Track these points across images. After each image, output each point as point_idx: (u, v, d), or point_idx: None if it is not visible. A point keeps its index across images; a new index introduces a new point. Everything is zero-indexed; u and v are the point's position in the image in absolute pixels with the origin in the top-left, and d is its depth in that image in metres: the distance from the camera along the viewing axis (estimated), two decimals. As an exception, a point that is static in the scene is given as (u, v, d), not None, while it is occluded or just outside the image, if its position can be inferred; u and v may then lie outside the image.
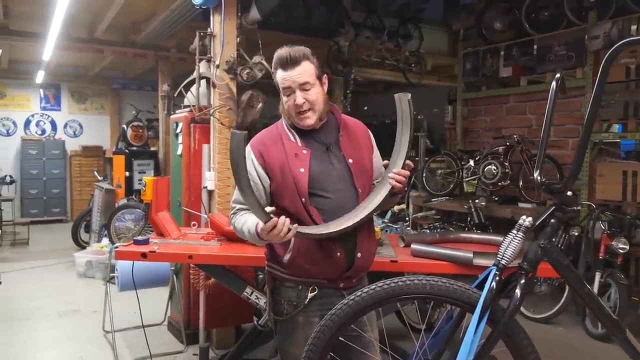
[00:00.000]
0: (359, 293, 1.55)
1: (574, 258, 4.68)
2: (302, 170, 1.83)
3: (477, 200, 5.40)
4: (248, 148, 1.87)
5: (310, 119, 1.86)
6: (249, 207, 1.78)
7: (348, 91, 7.86)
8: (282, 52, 1.85)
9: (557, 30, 5.71)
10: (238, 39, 3.99)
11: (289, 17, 6.90)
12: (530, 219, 1.54)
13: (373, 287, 1.52)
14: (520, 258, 1.59)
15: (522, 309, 4.66)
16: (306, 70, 1.83)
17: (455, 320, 1.66)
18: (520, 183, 5.62)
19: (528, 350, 1.50)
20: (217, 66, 3.85)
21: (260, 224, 1.69)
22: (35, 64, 8.26)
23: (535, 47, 5.91)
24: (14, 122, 9.70)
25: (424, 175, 6.51)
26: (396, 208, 4.84)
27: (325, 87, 1.93)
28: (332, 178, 1.87)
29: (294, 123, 1.90)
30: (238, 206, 1.93)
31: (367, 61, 6.87)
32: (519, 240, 1.54)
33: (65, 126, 10.19)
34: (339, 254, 1.84)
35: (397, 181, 1.81)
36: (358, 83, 7.88)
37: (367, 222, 1.91)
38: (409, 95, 1.86)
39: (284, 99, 1.88)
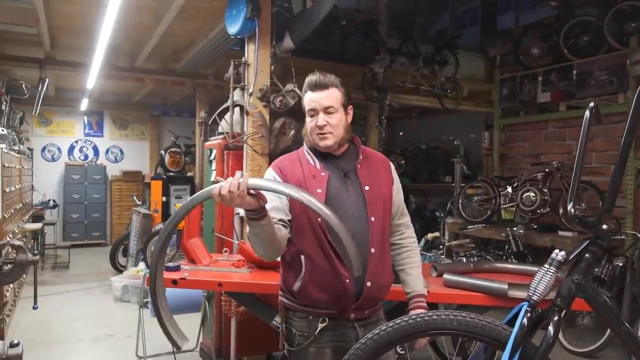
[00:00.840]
0: (383, 327, 1.50)
1: (618, 289, 4.46)
2: (319, 190, 1.85)
3: (515, 228, 5.25)
4: (270, 169, 1.97)
5: (329, 141, 1.89)
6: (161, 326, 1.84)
7: (383, 117, 7.86)
8: (313, 76, 1.93)
9: (597, 55, 5.57)
10: (272, 67, 4.06)
11: (324, 44, 6.99)
12: (563, 253, 1.47)
13: (398, 321, 1.48)
14: (555, 292, 1.53)
15: (564, 342, 4.47)
16: (332, 95, 1.89)
17: (485, 357, 1.59)
18: (560, 210, 5.44)
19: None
20: (251, 94, 3.91)
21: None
22: (79, 92, 8.62)
23: (574, 72, 5.78)
24: (58, 148, 10.09)
25: (460, 201, 6.40)
26: (430, 236, 4.76)
27: (350, 118, 1.97)
28: (346, 204, 1.88)
29: (314, 144, 1.94)
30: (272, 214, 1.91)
31: (402, 87, 6.86)
32: (551, 276, 1.47)
33: (107, 152, 10.53)
34: (347, 280, 1.83)
35: None
36: (393, 109, 7.88)
37: (380, 251, 1.90)
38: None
39: (307, 119, 1.94)
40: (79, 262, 8.13)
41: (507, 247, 5.37)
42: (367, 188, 1.92)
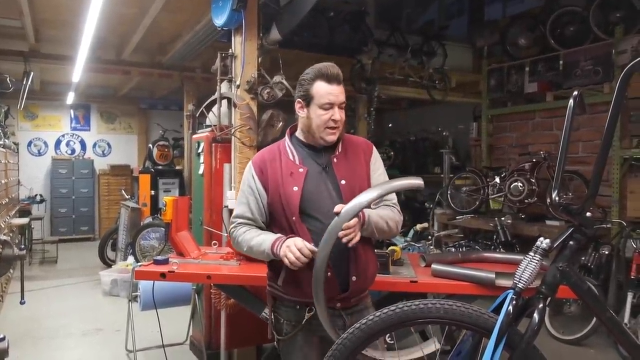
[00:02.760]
0: (370, 317, 1.51)
1: (604, 277, 4.52)
2: (295, 189, 1.87)
3: (503, 218, 5.29)
4: (249, 165, 2.00)
5: (335, 136, 1.93)
6: None
7: (372, 109, 7.86)
8: (328, 65, 1.90)
9: (583, 45, 5.61)
10: (259, 59, 4.03)
11: (311, 36, 6.96)
12: (547, 241, 1.49)
13: (385, 310, 1.49)
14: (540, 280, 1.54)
15: (551, 329, 4.52)
16: (344, 91, 1.93)
17: (472, 345, 1.61)
18: (548, 200, 5.47)
19: (548, 378, 1.43)
20: (238, 86, 3.89)
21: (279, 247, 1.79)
22: (65, 85, 8.52)
23: (561, 62, 5.83)
24: (45, 143, 9.98)
25: (449, 192, 6.43)
26: (419, 227, 4.78)
27: None
28: (324, 200, 1.87)
29: (316, 138, 1.92)
30: (239, 220, 1.99)
31: (390, 79, 6.86)
32: (536, 263, 1.48)
33: (94, 146, 10.44)
34: (329, 273, 1.83)
35: (346, 240, 1.75)
36: (382, 100, 7.88)
37: (362, 245, 1.86)
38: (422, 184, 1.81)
39: (319, 112, 1.88)
40: (67, 257, 8.07)
41: (495, 237, 5.41)
42: (343, 182, 1.91)
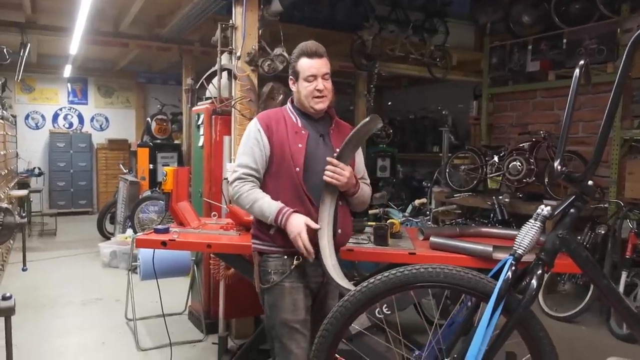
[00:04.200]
0: (372, 280, 1.53)
1: (600, 257, 4.56)
2: (300, 145, 2.11)
3: (500, 197, 5.30)
4: (255, 120, 2.20)
5: (323, 104, 2.16)
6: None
7: (372, 86, 7.81)
8: (309, 43, 2.17)
9: (587, 23, 5.56)
10: (260, 31, 4.00)
11: (312, 10, 6.88)
12: (548, 208, 1.50)
13: (386, 274, 1.50)
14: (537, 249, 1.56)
15: (544, 307, 4.58)
16: (327, 63, 2.17)
17: (469, 310, 1.63)
18: (546, 180, 5.50)
19: (544, 342, 1.46)
20: (239, 58, 3.86)
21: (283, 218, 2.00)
22: (63, 58, 8.43)
23: (564, 40, 5.76)
24: (42, 116, 9.92)
25: (447, 170, 6.43)
26: (417, 202, 4.79)
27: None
28: (321, 160, 2.09)
29: (307, 108, 2.17)
30: (243, 171, 2.12)
31: (391, 55, 6.80)
32: (537, 230, 1.50)
33: (92, 120, 10.38)
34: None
35: (328, 175, 2.03)
36: (382, 78, 7.83)
37: (345, 204, 2.18)
38: (380, 123, 2.07)
39: (305, 84, 2.13)
40: (66, 230, 8.10)
41: (492, 215, 5.43)
42: (338, 150, 2.12)
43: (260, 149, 2.11)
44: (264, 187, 2.14)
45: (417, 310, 3.73)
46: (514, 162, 5.69)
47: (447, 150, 6.94)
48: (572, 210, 1.52)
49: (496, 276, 1.52)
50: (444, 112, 9.02)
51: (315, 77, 2.12)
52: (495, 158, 5.95)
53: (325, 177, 2.03)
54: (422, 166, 10.01)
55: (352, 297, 1.53)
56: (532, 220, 1.52)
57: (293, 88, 2.23)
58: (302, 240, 1.96)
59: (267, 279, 2.13)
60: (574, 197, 1.52)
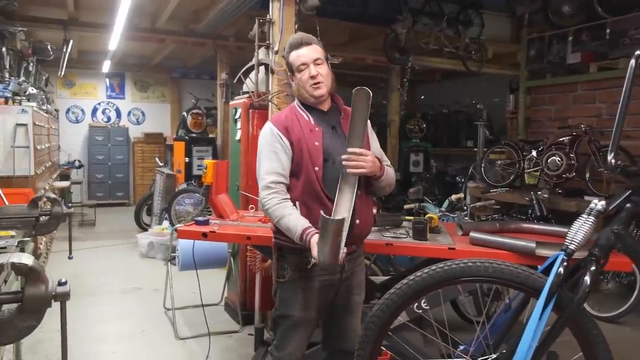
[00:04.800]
0: (419, 273, 1.52)
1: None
2: (316, 143, 2.08)
3: (539, 192, 5.18)
4: (271, 125, 2.14)
5: (322, 90, 2.11)
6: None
7: (405, 80, 7.75)
8: (295, 36, 2.20)
9: (632, 12, 5.36)
10: (296, 26, 4.00)
11: (345, 4, 6.85)
12: (603, 202, 1.46)
13: (434, 267, 1.49)
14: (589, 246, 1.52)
15: (586, 306, 4.46)
16: (317, 49, 2.14)
17: (518, 305, 1.60)
18: (587, 175, 5.35)
19: (597, 340, 1.42)
20: (276, 52, 3.87)
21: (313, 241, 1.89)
22: (102, 54, 8.63)
23: (607, 31, 5.56)
24: (82, 110, 10.20)
25: (483, 165, 6.33)
26: (454, 197, 4.73)
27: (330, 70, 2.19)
28: (337, 154, 2.06)
29: (307, 97, 2.13)
30: (272, 178, 2.06)
31: (425, 49, 6.72)
32: (590, 225, 1.46)
33: (129, 114, 10.62)
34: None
35: (351, 166, 1.97)
36: (415, 71, 7.75)
37: (365, 193, 2.13)
38: (370, 93, 2.00)
39: (299, 74, 2.12)
40: (104, 220, 8.33)
41: (530, 211, 5.31)
42: (347, 138, 2.07)
43: (286, 152, 2.08)
44: (290, 190, 2.10)
45: (456, 308, 3.72)
46: (553, 157, 5.55)
47: (483, 145, 6.82)
48: (628, 205, 1.47)
49: (545, 272, 1.49)
50: (478, 106, 8.88)
51: (306, 64, 2.10)
52: (534, 153, 5.81)
53: (349, 170, 1.97)
54: (455, 161, 9.88)
55: (398, 290, 1.52)
56: (585, 215, 1.49)
57: (293, 85, 2.22)
58: None
59: (283, 274, 2.14)
60: (630, 191, 1.48)
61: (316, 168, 2.05)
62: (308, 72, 2.09)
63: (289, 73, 2.23)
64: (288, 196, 2.08)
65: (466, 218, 4.42)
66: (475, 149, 7.04)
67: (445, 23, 6.70)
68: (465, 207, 4.82)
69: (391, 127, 8.59)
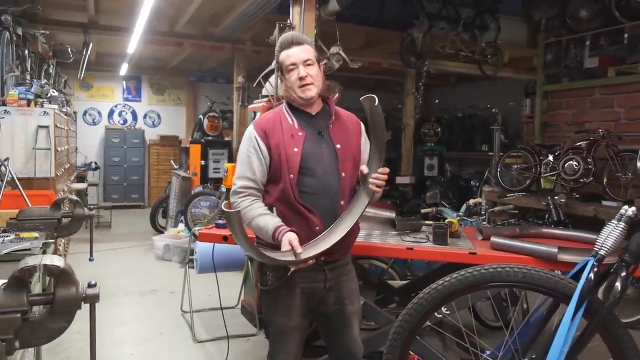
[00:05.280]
0: (447, 278, 1.53)
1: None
2: (295, 150, 1.99)
3: (556, 197, 5.16)
4: (251, 127, 2.08)
5: (312, 91, 2.02)
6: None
7: (420, 83, 7.74)
8: (286, 35, 2.11)
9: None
10: (316, 30, 4.03)
11: (362, 9, 6.87)
12: (634, 208, 1.46)
13: (462, 272, 1.50)
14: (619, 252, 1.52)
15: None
16: (308, 49, 2.06)
17: (547, 311, 1.60)
18: (605, 180, 5.31)
19: (628, 345, 1.42)
20: (296, 56, 3.89)
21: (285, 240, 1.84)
22: (120, 57, 8.72)
23: (626, 35, 5.54)
24: (99, 112, 10.32)
25: (499, 170, 6.31)
26: (472, 201, 4.72)
27: (322, 71, 2.13)
28: (321, 161, 2.02)
29: (296, 98, 2.04)
30: (241, 183, 2.02)
31: (441, 53, 6.72)
32: (621, 230, 1.46)
33: (144, 116, 10.72)
34: (317, 227, 1.97)
35: (377, 185, 1.92)
36: (430, 75, 7.75)
37: (348, 202, 2.02)
38: (376, 98, 1.89)
39: (288, 75, 2.04)
40: (120, 223, 8.40)
41: (547, 215, 5.28)
42: (338, 146, 2.05)
43: (259, 157, 2.01)
44: (266, 195, 2.05)
45: (474, 313, 3.70)
46: (570, 162, 5.52)
47: (498, 150, 6.80)
48: (659, 211, 1.47)
49: (575, 278, 1.50)
50: (493, 110, 8.84)
51: (295, 64, 2.01)
52: (550, 157, 5.78)
53: (374, 189, 1.92)
54: (469, 165, 9.85)
55: (427, 295, 1.53)
56: (614, 221, 1.49)
57: (282, 86, 2.15)
58: (293, 245, 1.85)
59: (264, 280, 2.09)
60: (661, 198, 1.48)
61: (291, 176, 1.96)
62: (297, 72, 2.01)
63: (278, 73, 2.15)
64: (260, 199, 2.03)
65: (484, 222, 4.40)
66: (490, 153, 7.01)
67: (462, 27, 6.69)
68: (483, 212, 4.80)
69: (406, 131, 8.60)
